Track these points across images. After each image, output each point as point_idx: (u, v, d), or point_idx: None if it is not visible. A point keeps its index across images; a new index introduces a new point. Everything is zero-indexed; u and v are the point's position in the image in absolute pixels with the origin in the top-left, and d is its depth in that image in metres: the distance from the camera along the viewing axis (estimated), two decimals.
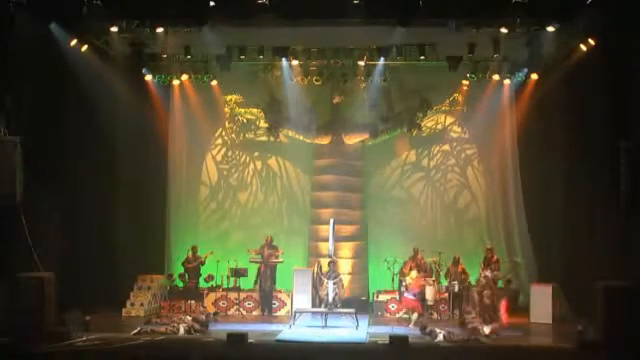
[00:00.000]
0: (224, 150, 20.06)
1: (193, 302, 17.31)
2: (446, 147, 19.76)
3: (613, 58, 14.99)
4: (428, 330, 14.40)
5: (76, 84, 16.32)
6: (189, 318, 15.31)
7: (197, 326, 14.94)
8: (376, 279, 18.78)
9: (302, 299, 17.09)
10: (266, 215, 19.78)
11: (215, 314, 17.07)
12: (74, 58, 16.27)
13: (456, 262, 17.51)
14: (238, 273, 17.88)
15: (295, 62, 18.07)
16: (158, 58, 17.82)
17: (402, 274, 17.48)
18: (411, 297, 16.66)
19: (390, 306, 17.66)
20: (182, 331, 14.55)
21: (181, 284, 18.10)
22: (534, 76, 18.14)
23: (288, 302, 17.64)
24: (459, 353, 13.54)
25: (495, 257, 17.76)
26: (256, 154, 19.98)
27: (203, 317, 15.77)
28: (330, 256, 17.02)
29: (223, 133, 20.05)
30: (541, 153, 18.31)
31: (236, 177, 20.02)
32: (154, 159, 19.18)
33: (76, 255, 16.38)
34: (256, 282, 17.91)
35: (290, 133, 19.45)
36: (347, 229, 18.74)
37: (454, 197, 19.66)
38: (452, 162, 19.74)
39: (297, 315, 16.10)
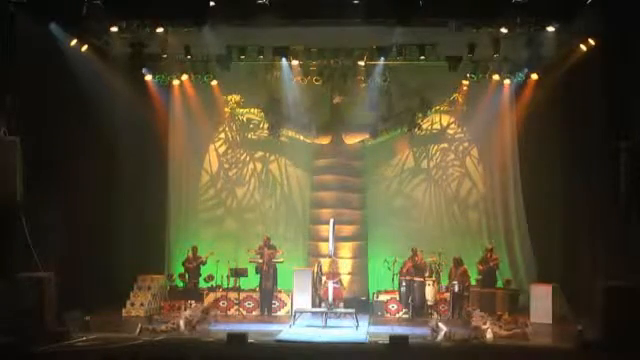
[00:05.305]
0: (225, 147, 20.06)
1: (193, 302, 17.26)
2: (445, 146, 19.71)
3: (613, 58, 14.98)
4: (433, 324, 14.42)
5: (76, 84, 16.30)
6: (187, 312, 15.32)
7: (196, 318, 14.92)
8: (376, 279, 18.78)
9: (302, 299, 17.08)
10: (262, 213, 19.75)
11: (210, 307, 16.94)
12: (74, 58, 16.27)
13: (458, 263, 17.50)
14: (238, 273, 17.88)
15: (295, 62, 18.08)
16: (158, 58, 17.78)
17: (402, 274, 17.49)
18: (335, 286, 16.44)
19: (390, 306, 17.67)
20: (182, 325, 14.54)
21: (181, 284, 18.13)
22: (534, 76, 18.12)
23: (288, 302, 17.63)
24: (459, 353, 13.53)
25: (494, 256, 17.78)
26: (257, 155, 19.95)
27: (199, 313, 15.72)
28: (330, 256, 17.01)
29: (227, 128, 20.02)
30: (541, 153, 18.30)
31: (235, 172, 20.00)
32: (154, 159, 19.17)
33: (76, 255, 16.34)
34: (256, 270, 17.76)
35: (290, 133, 19.43)
36: (347, 229, 18.71)
37: (456, 190, 19.61)
38: (451, 157, 19.71)
39: (297, 315, 16.11)
